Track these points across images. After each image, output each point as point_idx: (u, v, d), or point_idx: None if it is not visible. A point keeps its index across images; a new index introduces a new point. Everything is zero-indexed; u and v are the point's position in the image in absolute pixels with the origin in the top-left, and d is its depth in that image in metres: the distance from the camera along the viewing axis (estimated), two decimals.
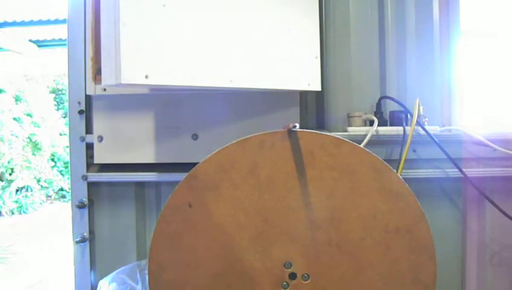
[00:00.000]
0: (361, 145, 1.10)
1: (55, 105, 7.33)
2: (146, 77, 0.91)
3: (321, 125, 1.46)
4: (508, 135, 1.31)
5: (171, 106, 1.35)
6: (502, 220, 1.28)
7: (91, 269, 1.42)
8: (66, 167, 6.89)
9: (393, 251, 0.96)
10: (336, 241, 0.97)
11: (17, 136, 6.13)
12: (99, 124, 1.36)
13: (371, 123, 1.33)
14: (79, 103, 1.39)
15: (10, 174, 6.17)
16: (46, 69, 7.18)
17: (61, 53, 6.15)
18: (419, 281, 0.96)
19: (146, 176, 1.37)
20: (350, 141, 0.98)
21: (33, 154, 6.50)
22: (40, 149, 6.58)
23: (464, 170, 1.28)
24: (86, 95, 1.36)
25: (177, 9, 0.97)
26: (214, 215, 0.97)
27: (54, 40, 5.74)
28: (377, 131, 1.31)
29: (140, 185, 1.42)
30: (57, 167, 7.05)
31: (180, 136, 1.35)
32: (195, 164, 0.98)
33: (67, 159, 4.08)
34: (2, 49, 5.72)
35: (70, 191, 1.41)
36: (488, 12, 1.53)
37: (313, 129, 1.09)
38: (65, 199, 6.94)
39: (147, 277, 1.06)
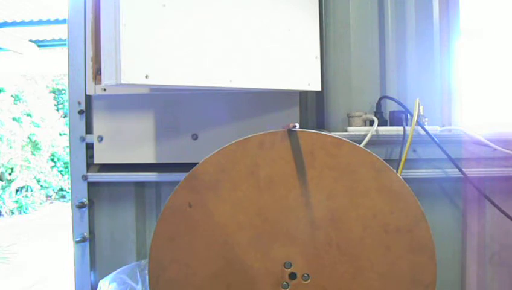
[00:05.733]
0: (361, 145, 1.10)
1: (55, 105, 7.33)
2: (146, 77, 0.91)
3: (321, 125, 1.46)
4: (508, 135, 1.31)
5: (171, 106, 1.35)
6: (502, 220, 1.28)
7: (91, 269, 1.42)
8: (66, 167, 6.90)
9: (393, 250, 0.96)
10: (336, 241, 0.97)
11: (15, 141, 6.13)
12: (99, 124, 1.36)
13: (371, 123, 1.33)
14: (79, 103, 1.39)
15: (10, 174, 6.17)
16: (46, 69, 7.17)
17: (61, 53, 6.15)
18: (419, 281, 0.96)
19: (146, 176, 1.37)
20: (350, 141, 0.98)
21: (33, 154, 6.50)
22: (39, 149, 6.59)
23: (463, 170, 1.28)
24: (86, 95, 1.36)
25: (177, 9, 0.97)
26: (213, 215, 0.97)
27: (54, 40, 5.75)
28: (377, 131, 1.31)
29: (140, 185, 1.42)
30: (57, 167, 7.05)
31: (180, 136, 1.35)
32: (195, 164, 0.98)
33: (67, 159, 4.08)
34: (2, 49, 5.72)
35: (70, 191, 1.41)
36: (488, 12, 1.53)
37: (313, 129, 1.09)
38: (65, 199, 6.95)
39: (147, 277, 1.06)
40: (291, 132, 0.97)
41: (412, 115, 1.28)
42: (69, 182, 1.41)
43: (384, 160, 0.98)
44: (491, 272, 1.40)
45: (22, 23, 5.18)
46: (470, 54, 1.49)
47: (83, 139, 1.39)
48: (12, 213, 6.16)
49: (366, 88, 1.43)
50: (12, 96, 6.44)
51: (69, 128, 1.41)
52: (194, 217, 0.97)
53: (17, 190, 6.31)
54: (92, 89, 1.29)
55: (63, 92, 7.50)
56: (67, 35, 1.39)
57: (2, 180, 6.08)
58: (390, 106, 1.40)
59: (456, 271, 1.40)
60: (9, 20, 5.18)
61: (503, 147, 1.30)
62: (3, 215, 6.07)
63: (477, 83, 1.52)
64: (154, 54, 0.93)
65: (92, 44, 1.20)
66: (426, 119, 1.31)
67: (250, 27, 1.12)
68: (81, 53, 1.36)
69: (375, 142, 1.30)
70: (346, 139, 0.98)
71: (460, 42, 1.44)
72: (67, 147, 1.45)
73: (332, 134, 1.06)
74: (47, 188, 6.85)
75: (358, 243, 0.96)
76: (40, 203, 6.66)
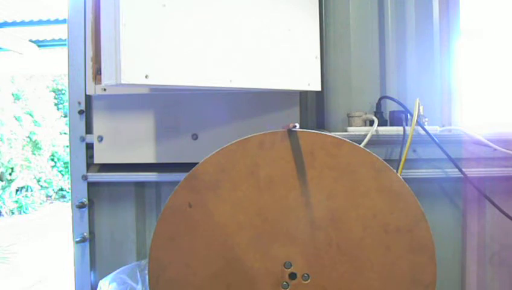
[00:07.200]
0: (361, 145, 1.10)
1: (55, 105, 7.33)
2: (146, 77, 0.91)
3: (321, 125, 1.46)
4: (508, 135, 1.31)
5: (171, 106, 1.35)
6: (502, 220, 1.28)
7: (91, 269, 1.42)
8: (66, 167, 6.89)
9: (393, 250, 0.96)
10: (336, 241, 0.97)
11: (16, 139, 6.13)
12: (99, 124, 1.36)
13: (371, 123, 1.33)
14: (79, 103, 1.39)
15: (10, 174, 6.17)
16: (46, 69, 7.17)
17: (61, 53, 6.14)
18: (419, 281, 0.96)
19: (146, 176, 1.37)
20: (350, 141, 0.98)
21: (33, 153, 6.50)
22: (40, 149, 6.59)
23: (463, 170, 1.28)
24: (86, 95, 1.36)
25: (177, 9, 0.97)
26: (213, 215, 0.97)
27: (54, 40, 5.74)
28: (377, 131, 1.31)
29: (140, 185, 1.42)
30: (57, 167, 7.05)
31: (180, 136, 1.35)
32: (195, 164, 0.98)
33: (67, 159, 4.08)
34: (2, 49, 5.72)
35: (70, 191, 1.41)
36: (488, 12, 1.53)
37: (313, 129, 1.09)
38: (65, 199, 6.95)
39: (147, 277, 1.06)
40: (291, 132, 0.97)
41: (412, 115, 1.28)
42: (69, 182, 1.41)
43: (384, 160, 0.98)
44: (491, 272, 1.40)
45: (22, 23, 5.18)
46: (470, 54, 1.49)
47: (83, 139, 1.40)
48: (12, 213, 6.17)
49: (366, 88, 1.43)
50: (12, 95, 6.45)
51: (69, 128, 1.41)
52: (194, 217, 0.97)
53: (17, 190, 6.31)
54: (92, 89, 1.29)
55: (63, 91, 7.50)
56: (67, 35, 1.39)
57: (2, 180, 6.08)
58: (390, 106, 1.40)
59: (456, 271, 1.40)
60: (9, 20, 5.18)
61: (503, 147, 1.30)
62: (3, 215, 6.07)
63: (477, 83, 1.52)
64: (154, 54, 0.93)
65: (92, 44, 1.20)
66: (426, 119, 1.31)
67: (250, 27, 1.12)
68: (81, 53, 1.36)
69: (375, 142, 1.30)
70: (346, 139, 0.98)
71: (460, 42, 1.44)
72: (67, 146, 1.45)
73: (332, 134, 1.06)
74: (47, 188, 6.85)
75: (358, 243, 0.96)
76: (40, 203, 6.66)
